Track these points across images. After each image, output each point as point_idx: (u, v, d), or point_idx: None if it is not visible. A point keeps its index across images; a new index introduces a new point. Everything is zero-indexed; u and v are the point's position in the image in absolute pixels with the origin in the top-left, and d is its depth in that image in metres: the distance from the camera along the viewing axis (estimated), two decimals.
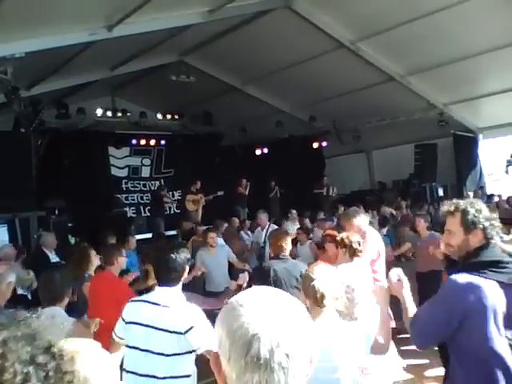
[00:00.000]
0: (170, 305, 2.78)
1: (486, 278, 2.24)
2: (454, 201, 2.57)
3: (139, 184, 14.93)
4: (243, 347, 0.95)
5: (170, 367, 2.68)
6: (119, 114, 13.37)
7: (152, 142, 14.68)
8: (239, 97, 13.37)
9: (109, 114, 13.14)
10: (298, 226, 9.21)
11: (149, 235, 11.36)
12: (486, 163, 14.41)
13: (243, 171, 14.38)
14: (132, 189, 14.84)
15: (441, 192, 13.96)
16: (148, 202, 14.39)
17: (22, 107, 9.35)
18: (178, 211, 14.17)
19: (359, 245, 4.37)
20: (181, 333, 2.67)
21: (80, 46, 8.99)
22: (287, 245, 4.59)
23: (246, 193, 13.71)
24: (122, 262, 4.71)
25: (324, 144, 15.23)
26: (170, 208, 14.57)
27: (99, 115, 12.90)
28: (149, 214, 13.77)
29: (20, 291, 5.19)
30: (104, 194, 13.11)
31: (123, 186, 14.68)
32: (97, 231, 9.22)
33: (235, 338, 0.97)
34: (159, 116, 14.20)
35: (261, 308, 1.00)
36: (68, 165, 12.26)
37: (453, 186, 14.18)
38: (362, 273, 4.13)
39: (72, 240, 9.66)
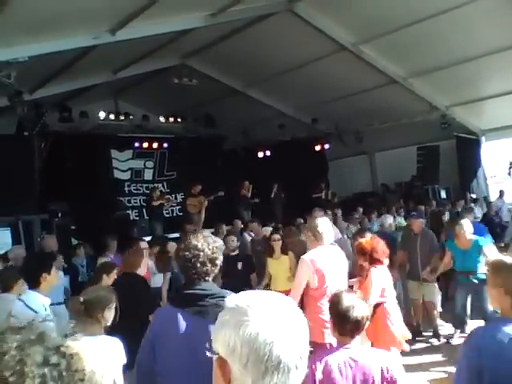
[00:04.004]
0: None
1: (175, 307, 2.55)
2: None
3: (142, 187, 14.94)
4: (263, 353, 0.98)
5: None
6: (122, 117, 13.42)
7: (155, 145, 14.69)
8: (241, 100, 13.39)
9: (111, 117, 13.17)
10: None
11: (150, 238, 11.36)
12: (489, 165, 14.38)
13: (246, 174, 14.38)
14: (135, 191, 14.85)
15: (443, 194, 13.95)
16: None
17: (25, 111, 9.39)
18: (181, 214, 14.17)
19: None
20: None
21: (83, 49, 9.05)
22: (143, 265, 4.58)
23: (249, 195, 13.70)
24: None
25: (326, 146, 15.22)
26: (172, 211, 14.59)
27: (102, 118, 12.93)
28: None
29: None
30: (107, 196, 13.12)
31: (126, 188, 14.69)
32: (99, 234, 9.23)
33: (255, 346, 0.99)
34: (162, 119, 14.22)
35: (270, 311, 1.03)
36: (71, 168, 12.26)
37: (455, 188, 14.17)
38: None
39: (75, 243, 9.67)
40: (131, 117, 13.59)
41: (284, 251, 6.42)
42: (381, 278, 4.66)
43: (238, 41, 10.55)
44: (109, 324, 3.01)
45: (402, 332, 4.67)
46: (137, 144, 14.45)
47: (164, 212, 13.19)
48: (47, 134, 11.53)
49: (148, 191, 14.03)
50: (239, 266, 6.62)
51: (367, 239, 4.97)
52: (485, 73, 10.86)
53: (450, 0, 8.71)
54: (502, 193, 13.06)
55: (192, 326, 2.46)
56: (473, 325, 5.02)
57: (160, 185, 14.76)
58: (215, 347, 1.06)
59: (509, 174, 13.69)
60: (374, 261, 4.69)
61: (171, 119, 14.32)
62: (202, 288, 2.53)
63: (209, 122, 14.83)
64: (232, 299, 1.09)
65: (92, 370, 1.32)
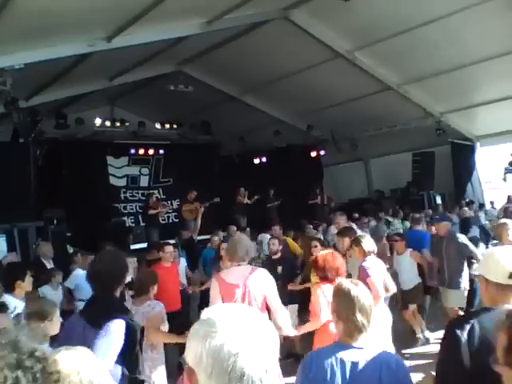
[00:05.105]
0: None
1: (80, 316, 2.88)
2: None
3: (138, 193, 14.94)
4: (227, 365, 1.00)
5: None
6: (118, 124, 13.40)
7: (150, 152, 14.73)
8: (237, 106, 13.43)
9: (107, 123, 13.15)
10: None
11: (146, 245, 11.33)
12: (484, 171, 14.46)
13: (242, 180, 14.40)
14: (131, 198, 14.85)
15: (439, 200, 14.00)
16: None
17: (21, 118, 9.36)
18: (177, 220, 14.16)
19: None
20: None
21: (79, 56, 9.06)
22: None
23: (245, 201, 13.70)
24: None
25: (322, 153, 15.28)
26: (168, 217, 14.57)
27: (98, 125, 12.92)
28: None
29: None
30: (103, 203, 13.12)
31: (122, 195, 14.69)
32: (95, 240, 9.23)
33: (219, 357, 1.01)
34: (158, 125, 14.22)
35: (238, 324, 1.05)
36: (66, 174, 12.27)
37: (451, 193, 14.22)
38: None
39: (70, 250, 9.64)
40: (127, 123, 13.58)
41: None
42: (326, 296, 4.15)
43: (233, 48, 10.59)
44: (53, 334, 3.27)
45: None
46: (133, 151, 14.49)
47: (160, 219, 13.17)
48: (43, 141, 11.54)
49: (144, 198, 14.04)
50: (279, 269, 6.35)
51: (323, 253, 4.50)
52: (479, 79, 10.95)
53: (444, 7, 8.78)
54: (510, 198, 12.95)
55: (83, 333, 2.69)
56: None
57: (156, 191, 14.76)
58: (186, 357, 1.09)
59: (504, 179, 13.76)
60: (323, 277, 4.30)
61: (167, 126, 14.33)
62: (102, 301, 2.80)
63: (205, 128, 14.85)
64: (207, 312, 1.12)
65: (68, 373, 1.33)
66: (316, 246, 6.23)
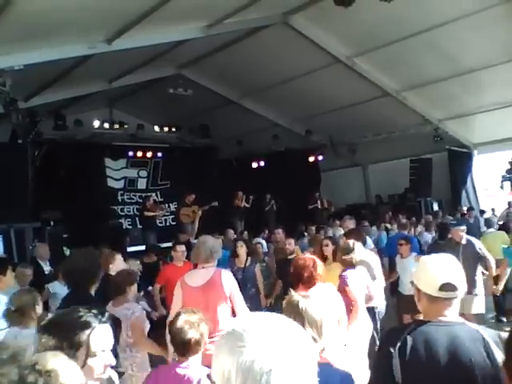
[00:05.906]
0: None
1: None
2: None
3: (135, 196, 14.92)
4: (259, 383, 0.91)
5: None
6: (116, 126, 13.41)
7: (149, 154, 14.72)
8: (236, 110, 13.45)
9: (106, 125, 13.16)
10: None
11: (143, 247, 11.30)
12: (481, 178, 14.50)
13: (240, 184, 14.41)
14: (128, 200, 14.83)
15: (436, 206, 14.02)
16: None
17: (20, 118, 9.35)
18: (174, 223, 14.14)
19: None
20: None
21: (78, 58, 9.07)
22: None
23: (243, 205, 13.70)
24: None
25: (320, 158, 15.31)
26: (165, 220, 14.55)
27: (96, 127, 12.92)
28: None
29: None
30: (100, 205, 13.09)
31: (119, 197, 14.67)
32: (92, 242, 9.16)
33: (251, 375, 0.91)
34: (156, 128, 14.25)
35: (268, 336, 0.94)
36: (64, 176, 12.25)
37: (448, 200, 14.25)
38: None
39: (67, 251, 9.61)
40: (126, 126, 13.60)
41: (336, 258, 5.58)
42: None
43: (233, 52, 10.62)
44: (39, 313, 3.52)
45: None
46: (131, 153, 14.48)
47: (157, 221, 13.16)
48: (41, 142, 11.54)
49: (141, 200, 14.01)
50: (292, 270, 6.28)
51: (299, 257, 4.38)
52: (477, 87, 10.99)
53: (444, 14, 8.83)
54: (510, 204, 12.97)
55: None
56: None
57: (153, 194, 14.74)
58: (212, 375, 0.98)
59: (501, 187, 13.80)
60: (296, 281, 4.10)
61: (166, 129, 14.35)
62: (74, 296, 2.89)
63: (203, 131, 14.87)
64: (231, 322, 1.01)
65: None
66: (327, 245, 6.01)
